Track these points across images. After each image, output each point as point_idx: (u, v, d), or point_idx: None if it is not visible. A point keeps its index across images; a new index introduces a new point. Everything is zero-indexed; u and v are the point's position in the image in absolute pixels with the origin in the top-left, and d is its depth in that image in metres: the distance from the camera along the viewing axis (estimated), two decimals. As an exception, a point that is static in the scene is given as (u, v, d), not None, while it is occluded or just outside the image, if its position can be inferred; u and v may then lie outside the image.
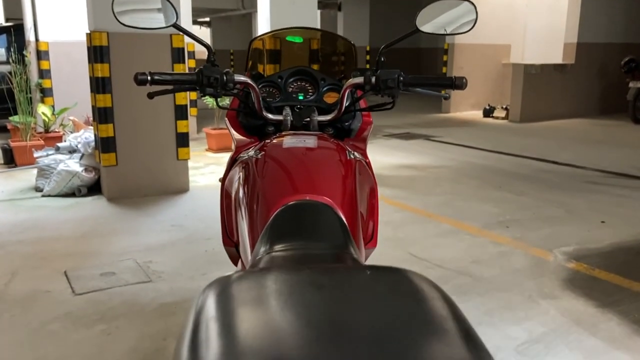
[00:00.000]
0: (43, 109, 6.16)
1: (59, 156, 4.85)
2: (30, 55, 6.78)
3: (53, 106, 6.81)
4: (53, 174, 4.61)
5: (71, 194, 4.60)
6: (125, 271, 3.07)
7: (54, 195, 4.57)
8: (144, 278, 2.98)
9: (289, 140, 1.31)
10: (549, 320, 2.55)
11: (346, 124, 1.65)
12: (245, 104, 1.62)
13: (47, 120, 6.17)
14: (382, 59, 1.50)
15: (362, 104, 1.65)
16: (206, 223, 3.89)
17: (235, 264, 1.48)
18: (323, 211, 1.02)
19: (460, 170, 5.84)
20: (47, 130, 6.23)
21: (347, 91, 1.52)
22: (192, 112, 8.08)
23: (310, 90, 1.72)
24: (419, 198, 4.70)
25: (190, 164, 4.95)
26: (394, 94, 1.45)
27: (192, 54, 8.23)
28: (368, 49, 13.64)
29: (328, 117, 1.56)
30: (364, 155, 1.52)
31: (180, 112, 4.66)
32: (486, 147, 7.29)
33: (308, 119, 1.54)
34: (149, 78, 1.37)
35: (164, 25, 1.46)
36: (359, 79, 1.48)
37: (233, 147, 1.60)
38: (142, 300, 2.72)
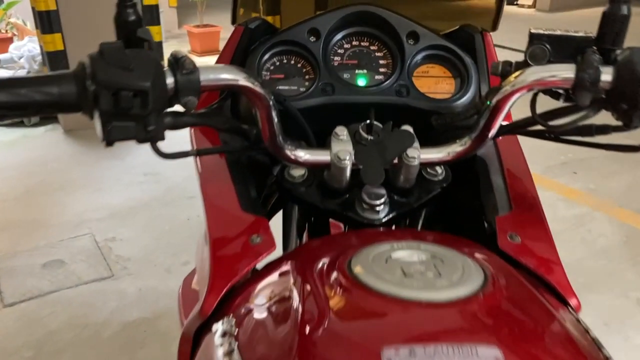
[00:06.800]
0: (-16, 4, 4.99)
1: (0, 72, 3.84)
2: None
3: (0, -2, 5.61)
4: (-7, 97, 3.63)
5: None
6: (78, 257, 2.25)
7: (-4, 124, 3.63)
8: (103, 272, 2.16)
9: None
10: (680, 352, 1.79)
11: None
12: (241, 131, 0.70)
13: (-9, 17, 5.03)
14: (627, 10, 0.57)
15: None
16: (188, 170, 2.99)
17: None
18: None
19: (495, 81, 4.86)
20: (-7, 31, 5.11)
21: (514, 97, 0.61)
22: (171, 2, 6.87)
23: (381, 62, 0.78)
24: (454, 125, 3.80)
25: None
26: None
27: None
28: None
29: (445, 155, 0.65)
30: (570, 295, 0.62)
31: (150, 16, 3.58)
32: (514, 45, 6.21)
33: (396, 159, 0.63)
34: None
35: None
36: (564, 70, 0.57)
37: (202, 218, 0.69)
38: (99, 315, 1.92)
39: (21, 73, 3.73)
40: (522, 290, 0.51)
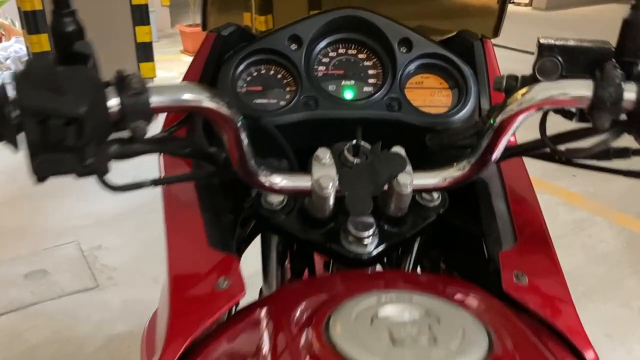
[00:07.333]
0: (-28, 3, 4.90)
1: (-13, 73, 3.75)
2: None
3: (-11, -3, 5.52)
4: (-21, 99, 3.55)
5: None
6: (62, 267, 2.17)
7: (-18, 127, 3.54)
8: (88, 282, 2.08)
9: None
10: (685, 366, 1.73)
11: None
12: (203, 154, 0.63)
13: (-21, 17, 4.93)
14: None
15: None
16: (179, 174, 2.93)
17: None
18: None
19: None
20: (-18, 30, 5.01)
21: (521, 118, 0.54)
22: (163, 1, 6.77)
23: (370, 72, 0.71)
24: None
25: (160, 73, 3.86)
26: None
27: None
28: None
29: (440, 180, 0.58)
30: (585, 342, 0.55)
31: (140, 15, 3.49)
32: (510, 44, 6.13)
33: (385, 185, 0.56)
34: None
35: None
36: (579, 87, 0.50)
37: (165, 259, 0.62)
38: (82, 329, 1.85)
39: (7, 74, 3.64)
40: (532, 353, 0.43)
